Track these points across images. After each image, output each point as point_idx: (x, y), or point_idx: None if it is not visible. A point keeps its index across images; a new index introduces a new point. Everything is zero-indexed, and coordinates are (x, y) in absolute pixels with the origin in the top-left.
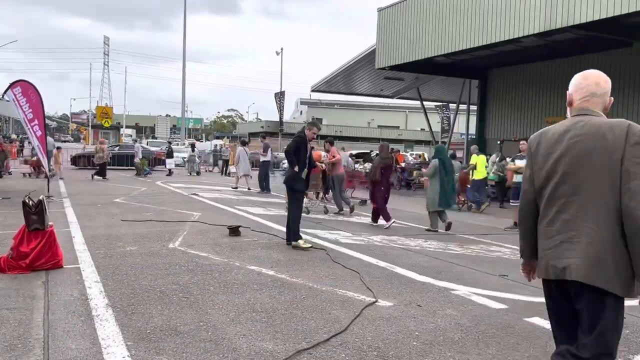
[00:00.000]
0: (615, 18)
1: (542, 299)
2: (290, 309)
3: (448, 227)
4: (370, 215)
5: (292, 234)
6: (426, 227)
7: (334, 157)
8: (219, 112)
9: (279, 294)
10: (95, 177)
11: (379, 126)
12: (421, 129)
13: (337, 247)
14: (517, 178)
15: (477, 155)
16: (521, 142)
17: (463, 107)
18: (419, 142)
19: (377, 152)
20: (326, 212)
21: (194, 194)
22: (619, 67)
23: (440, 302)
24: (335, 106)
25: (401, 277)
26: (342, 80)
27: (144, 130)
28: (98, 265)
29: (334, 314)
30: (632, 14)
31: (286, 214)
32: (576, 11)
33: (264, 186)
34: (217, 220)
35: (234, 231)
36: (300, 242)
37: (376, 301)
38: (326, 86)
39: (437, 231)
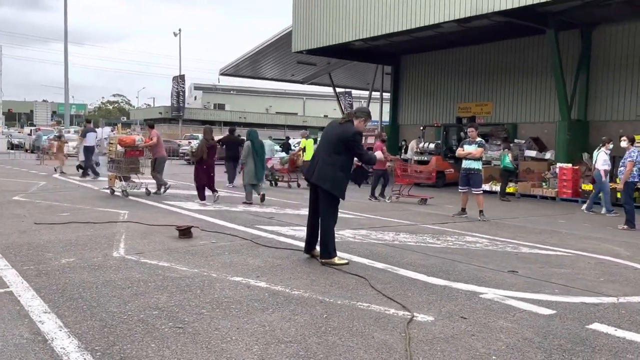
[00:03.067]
0: (534, 6)
1: (580, 298)
2: (320, 334)
3: (262, 198)
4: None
5: (323, 248)
6: (243, 200)
7: (151, 139)
8: (103, 97)
9: (292, 313)
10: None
11: (277, 112)
12: (324, 116)
13: None
14: (465, 164)
15: (307, 139)
16: (469, 130)
17: (376, 94)
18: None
19: (202, 134)
20: (148, 193)
21: (108, 188)
22: (531, 54)
23: (481, 311)
24: (232, 92)
25: (413, 281)
26: (251, 65)
27: (18, 117)
28: (37, 288)
29: (377, 337)
30: (549, 2)
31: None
32: None
33: (94, 170)
34: (152, 220)
35: (185, 232)
36: (336, 259)
37: (413, 316)
38: (234, 70)
39: (251, 203)
